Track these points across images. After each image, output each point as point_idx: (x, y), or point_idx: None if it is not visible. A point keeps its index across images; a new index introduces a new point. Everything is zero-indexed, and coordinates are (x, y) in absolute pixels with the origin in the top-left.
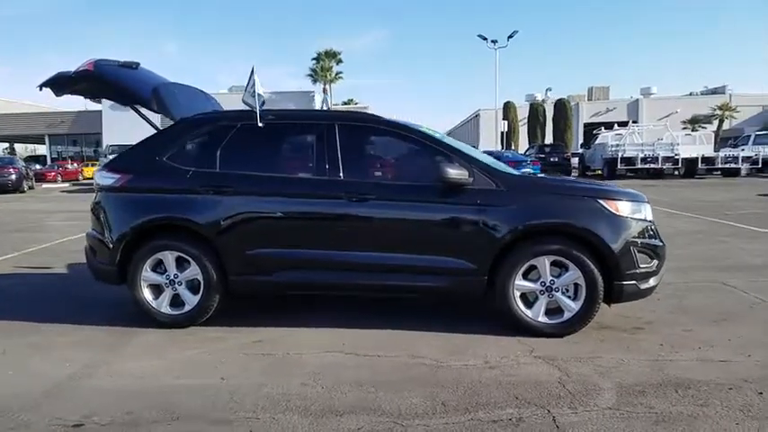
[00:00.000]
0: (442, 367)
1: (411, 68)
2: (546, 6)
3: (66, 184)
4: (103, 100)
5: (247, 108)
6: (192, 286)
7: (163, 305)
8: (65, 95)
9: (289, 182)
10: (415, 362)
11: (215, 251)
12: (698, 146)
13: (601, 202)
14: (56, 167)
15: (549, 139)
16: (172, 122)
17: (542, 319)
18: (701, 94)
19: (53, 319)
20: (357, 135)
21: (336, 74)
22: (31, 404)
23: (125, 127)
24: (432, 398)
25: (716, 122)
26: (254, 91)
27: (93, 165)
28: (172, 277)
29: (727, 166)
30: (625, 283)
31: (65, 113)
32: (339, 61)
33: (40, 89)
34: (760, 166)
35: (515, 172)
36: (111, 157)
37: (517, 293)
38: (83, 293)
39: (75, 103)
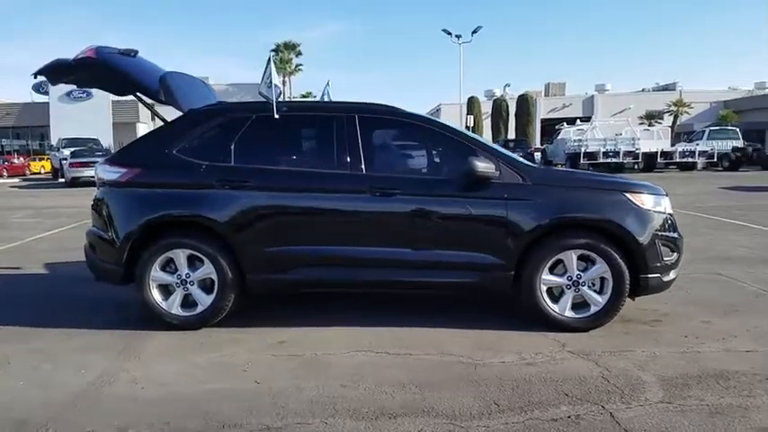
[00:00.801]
0: (480, 365)
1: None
2: (504, 2)
3: (16, 179)
4: (51, 91)
5: (261, 99)
6: (205, 286)
7: (174, 306)
8: (61, 83)
9: (310, 176)
10: (450, 360)
11: (231, 249)
12: (656, 141)
13: (627, 195)
14: (1, 162)
15: (511, 134)
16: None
17: (569, 313)
18: (653, 90)
19: (49, 322)
20: (378, 127)
21: (296, 66)
22: (57, 416)
23: (74, 120)
24: (481, 397)
25: (670, 118)
26: (271, 81)
27: (40, 159)
28: (183, 277)
29: (684, 160)
30: (650, 276)
31: (11, 105)
32: (299, 53)
33: (35, 77)
34: (715, 160)
35: (540, 166)
36: (65, 150)
37: (544, 288)
38: (73, 294)
39: (20, 94)
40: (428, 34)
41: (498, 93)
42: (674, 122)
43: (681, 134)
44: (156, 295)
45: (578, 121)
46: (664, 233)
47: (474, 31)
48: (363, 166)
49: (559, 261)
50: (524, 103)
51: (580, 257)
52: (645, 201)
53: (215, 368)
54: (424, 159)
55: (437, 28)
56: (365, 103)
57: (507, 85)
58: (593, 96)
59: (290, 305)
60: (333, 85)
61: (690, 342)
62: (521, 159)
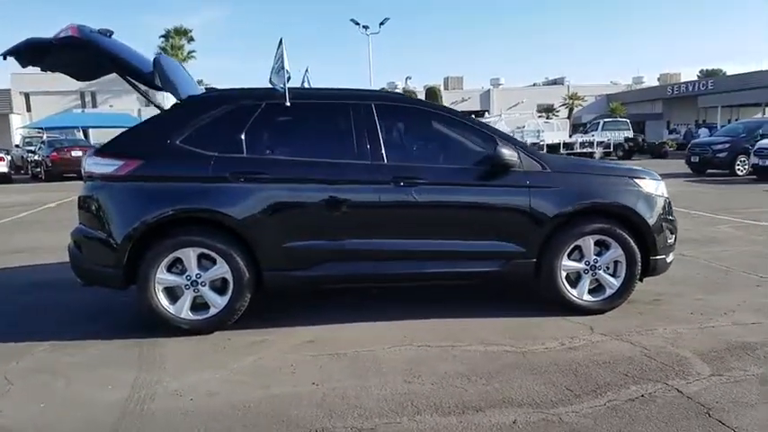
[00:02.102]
0: (528, 353)
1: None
2: None
3: None
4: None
5: (269, 86)
6: (217, 286)
7: (183, 310)
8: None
9: (331, 167)
10: (495, 350)
11: (248, 246)
12: (557, 132)
13: (636, 181)
14: None
15: None
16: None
17: (587, 297)
18: (544, 84)
19: (43, 334)
20: (395, 116)
21: (189, 53)
22: None
23: None
24: (551, 384)
25: (565, 110)
26: (282, 67)
27: None
28: (194, 278)
29: (584, 150)
30: (658, 258)
31: None
32: (191, 39)
33: (4, 58)
34: (610, 149)
35: (555, 155)
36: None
37: (564, 274)
38: (55, 301)
39: None
40: (335, 24)
41: (401, 85)
42: (569, 115)
43: (575, 126)
44: (163, 299)
45: (486, 114)
46: (666, 216)
47: (381, 23)
48: (385, 156)
49: (577, 247)
50: (433, 95)
51: (596, 242)
52: (650, 186)
53: (260, 372)
54: (444, 148)
55: (342, 18)
56: (379, 91)
57: (408, 77)
58: (489, 90)
59: (301, 303)
60: (224, 73)
61: (699, 318)
62: (535, 149)
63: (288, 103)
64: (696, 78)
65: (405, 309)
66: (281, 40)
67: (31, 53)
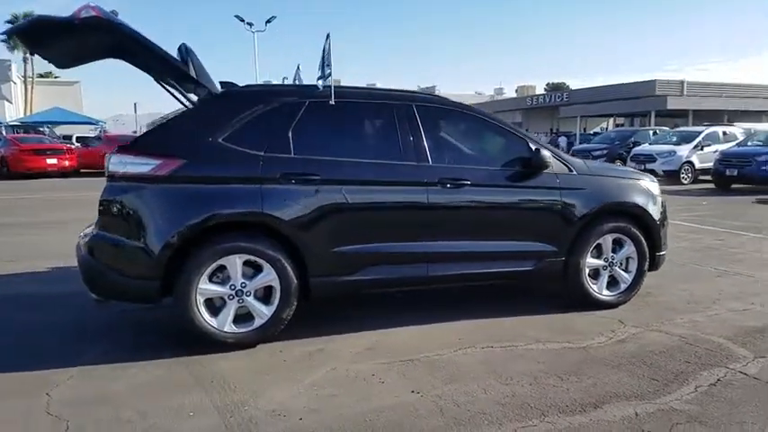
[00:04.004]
0: (587, 348)
1: None
2: None
3: None
4: None
5: (302, 82)
6: (260, 296)
7: (227, 323)
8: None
9: (380, 168)
10: (556, 347)
11: (297, 251)
12: None
13: (644, 183)
14: None
15: None
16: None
17: (605, 292)
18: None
19: (56, 358)
20: (435, 117)
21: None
22: None
23: None
24: (634, 376)
25: None
26: (328, 64)
27: None
28: (239, 287)
29: None
30: (661, 253)
31: None
32: None
33: (9, 38)
34: None
35: (575, 158)
36: None
37: (587, 271)
38: (41, 320)
39: None
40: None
41: (289, 78)
42: None
43: None
44: (204, 312)
45: None
46: (665, 214)
47: (268, 21)
48: (429, 158)
49: (598, 245)
50: None
51: (613, 240)
52: (653, 187)
53: (344, 384)
54: (482, 150)
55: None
56: (417, 92)
57: (285, 78)
58: None
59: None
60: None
61: (698, 307)
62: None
63: (332, 102)
64: (544, 91)
65: (438, 311)
66: (327, 35)
67: (39, 34)
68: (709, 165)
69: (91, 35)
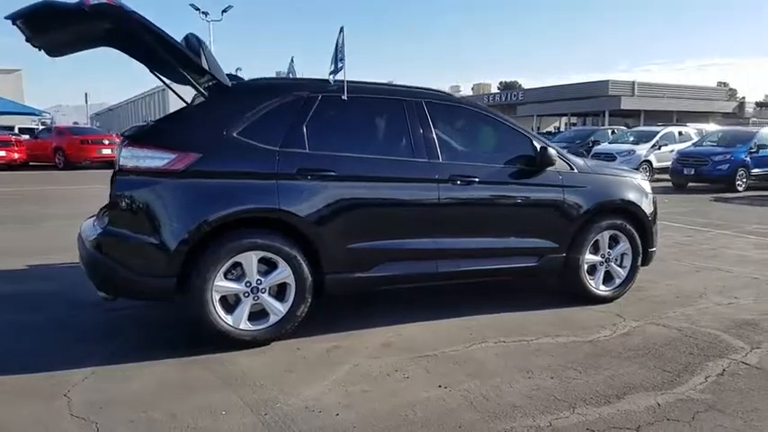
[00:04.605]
0: (595, 341)
1: None
2: None
3: None
4: None
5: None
6: (274, 293)
7: (242, 320)
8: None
9: (394, 165)
10: (564, 341)
11: (313, 247)
12: None
13: (638, 181)
14: None
15: None
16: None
17: (602, 287)
18: None
19: (62, 358)
20: (444, 114)
21: None
22: None
23: None
24: (646, 367)
25: None
26: (342, 58)
27: None
28: (254, 284)
29: None
30: (652, 249)
31: None
32: None
33: (13, 22)
34: None
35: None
36: None
37: (586, 267)
38: (35, 319)
39: None
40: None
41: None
42: None
43: None
44: (220, 309)
45: None
46: (656, 211)
47: (224, 10)
48: (440, 154)
49: (596, 241)
50: None
51: (610, 237)
52: (645, 185)
53: (371, 380)
54: (488, 147)
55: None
56: (426, 89)
57: (239, 68)
58: None
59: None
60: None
61: (692, 302)
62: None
63: (344, 97)
64: (498, 90)
65: (443, 307)
66: (341, 28)
67: (44, 19)
68: (667, 164)
69: (95, 22)
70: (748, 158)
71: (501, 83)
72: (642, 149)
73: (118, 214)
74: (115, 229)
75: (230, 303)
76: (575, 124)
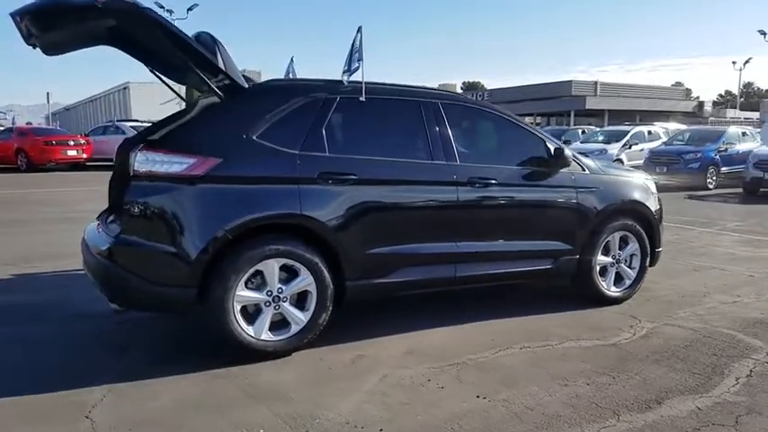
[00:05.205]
0: (618, 345)
1: None
2: None
3: None
4: None
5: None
6: (296, 301)
7: (263, 331)
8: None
9: (413, 168)
10: (589, 344)
11: (334, 254)
12: None
13: (646, 182)
14: None
15: None
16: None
17: (613, 288)
18: None
19: (69, 375)
20: (459, 115)
21: None
22: None
23: None
24: (676, 370)
25: None
26: (359, 58)
27: None
28: (275, 293)
29: None
30: (659, 249)
31: None
32: None
33: (20, 19)
34: None
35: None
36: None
37: (598, 268)
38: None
39: None
40: None
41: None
42: None
43: None
44: (241, 320)
45: None
46: (661, 211)
47: (189, 9)
48: (457, 156)
49: (607, 242)
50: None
51: (620, 238)
52: (651, 185)
53: (405, 391)
54: (504, 148)
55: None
56: (440, 90)
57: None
58: None
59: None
60: None
61: (697, 301)
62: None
63: (362, 98)
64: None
65: (459, 312)
66: (359, 28)
67: (52, 16)
68: (638, 162)
69: (104, 20)
70: (718, 157)
71: (464, 83)
72: (614, 149)
73: (132, 221)
74: (130, 238)
75: (249, 313)
76: (539, 124)
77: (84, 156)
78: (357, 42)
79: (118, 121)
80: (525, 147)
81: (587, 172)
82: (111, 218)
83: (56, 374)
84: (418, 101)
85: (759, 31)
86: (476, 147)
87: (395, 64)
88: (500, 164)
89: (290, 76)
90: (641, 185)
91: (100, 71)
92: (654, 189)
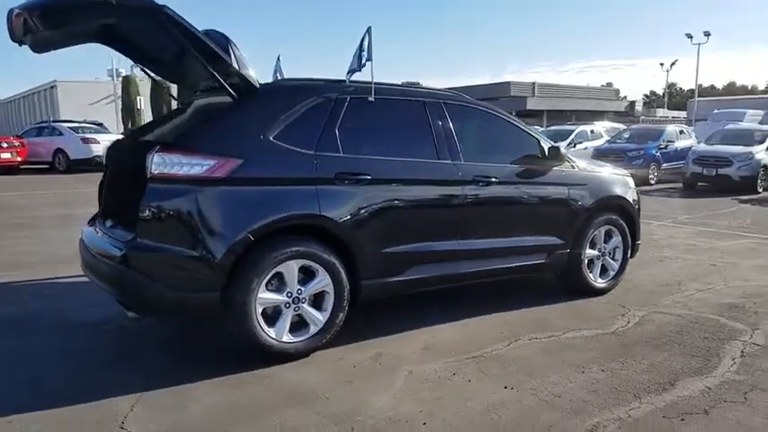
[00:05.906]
0: (617, 333)
1: None
2: None
3: None
4: None
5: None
6: (315, 301)
7: (284, 332)
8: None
9: (424, 167)
10: (590, 333)
11: (350, 253)
12: None
13: (625, 177)
14: None
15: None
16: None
17: (599, 279)
18: None
19: (95, 387)
20: (462, 115)
21: None
22: None
23: None
24: (677, 355)
25: None
26: (368, 58)
27: None
28: (295, 294)
29: None
30: (638, 242)
31: None
32: None
33: (29, 16)
34: None
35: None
36: None
37: (586, 261)
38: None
39: None
40: None
41: (124, 72)
42: None
43: None
44: (263, 322)
45: None
46: (639, 205)
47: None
48: (461, 155)
49: (594, 236)
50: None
51: (605, 232)
52: (630, 181)
53: (435, 386)
54: (502, 147)
55: None
56: (442, 90)
57: (134, 65)
58: None
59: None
60: None
61: (675, 290)
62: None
63: (371, 98)
64: None
65: (461, 306)
66: (368, 28)
67: (62, 12)
68: None
69: (111, 16)
70: (659, 154)
71: (404, 83)
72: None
73: (149, 225)
74: (147, 242)
75: (269, 315)
76: None
77: (19, 159)
78: (365, 43)
79: (53, 121)
80: (522, 145)
81: (577, 169)
82: (110, 222)
83: (74, 385)
84: (423, 101)
85: (686, 34)
86: (476, 145)
87: (316, 59)
88: (499, 162)
89: (278, 74)
90: (623, 181)
91: (20, 68)
92: (632, 185)
